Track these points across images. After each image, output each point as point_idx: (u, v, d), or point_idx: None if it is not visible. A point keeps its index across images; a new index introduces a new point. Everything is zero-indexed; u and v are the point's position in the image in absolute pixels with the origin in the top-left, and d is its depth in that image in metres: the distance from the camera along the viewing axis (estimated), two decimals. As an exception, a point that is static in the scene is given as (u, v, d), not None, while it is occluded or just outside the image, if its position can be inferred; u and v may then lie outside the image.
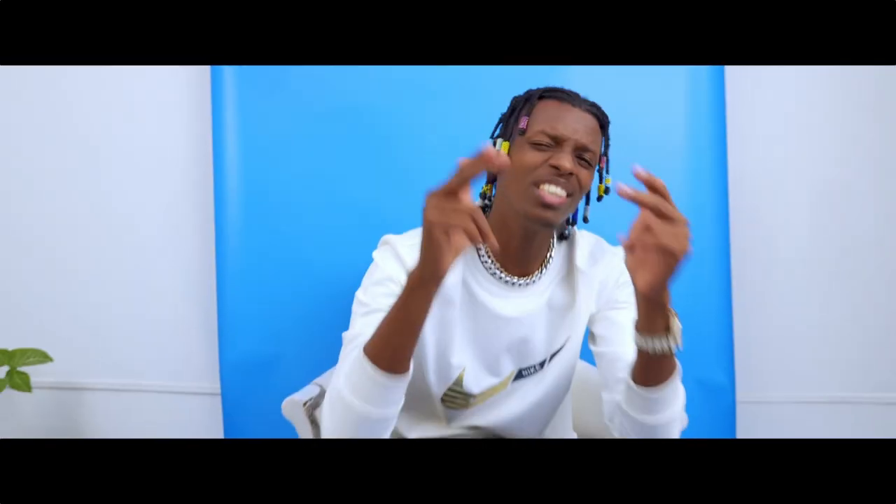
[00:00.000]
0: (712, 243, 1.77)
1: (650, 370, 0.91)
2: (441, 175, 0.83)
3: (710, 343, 1.78)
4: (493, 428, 1.14)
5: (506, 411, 1.12)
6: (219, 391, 1.84)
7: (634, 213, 0.88)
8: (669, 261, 0.80)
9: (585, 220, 1.11)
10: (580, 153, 1.00)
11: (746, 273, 1.90)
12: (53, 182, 1.98)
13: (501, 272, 1.07)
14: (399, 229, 1.17)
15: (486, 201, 1.10)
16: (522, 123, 1.02)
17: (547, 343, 1.10)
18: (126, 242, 1.98)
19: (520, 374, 1.11)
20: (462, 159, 0.78)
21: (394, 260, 1.04)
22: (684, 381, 1.76)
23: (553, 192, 0.98)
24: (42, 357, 1.84)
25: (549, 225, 1.01)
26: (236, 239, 1.81)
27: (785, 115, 1.91)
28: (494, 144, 1.06)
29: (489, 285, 1.08)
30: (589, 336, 1.15)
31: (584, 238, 1.14)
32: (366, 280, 1.06)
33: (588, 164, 1.01)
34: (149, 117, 1.95)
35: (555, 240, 1.12)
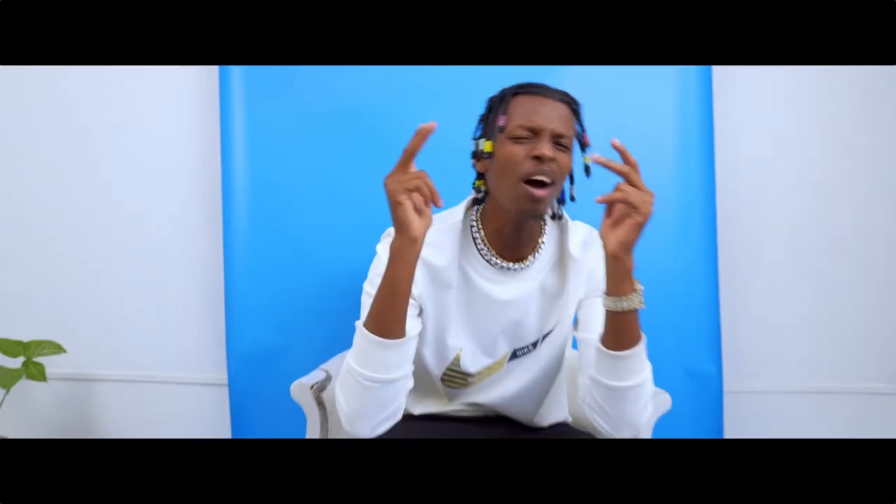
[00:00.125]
0: (700, 238, 1.81)
1: (619, 333, 0.99)
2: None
3: (698, 335, 1.82)
4: (492, 405, 1.20)
5: (503, 390, 1.18)
6: (226, 382, 1.88)
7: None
8: (636, 219, 0.92)
9: (572, 198, 1.17)
10: (557, 140, 1.06)
11: (733, 267, 1.93)
12: (68, 181, 2.02)
13: (496, 258, 1.13)
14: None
15: (479, 194, 1.16)
16: (501, 121, 1.08)
17: (539, 325, 1.16)
18: (137, 238, 2.01)
19: (514, 355, 1.17)
20: (427, 123, 0.94)
21: None
22: (673, 372, 1.81)
23: (539, 179, 1.05)
24: (56, 348, 1.88)
25: (538, 215, 1.08)
26: (243, 235, 1.84)
27: (771, 115, 1.94)
28: (477, 145, 1.12)
29: (484, 270, 1.14)
30: (576, 322, 1.21)
31: (578, 227, 1.19)
32: (371, 271, 1.14)
33: (566, 149, 1.08)
34: (158, 116, 1.99)
35: (547, 223, 1.18)
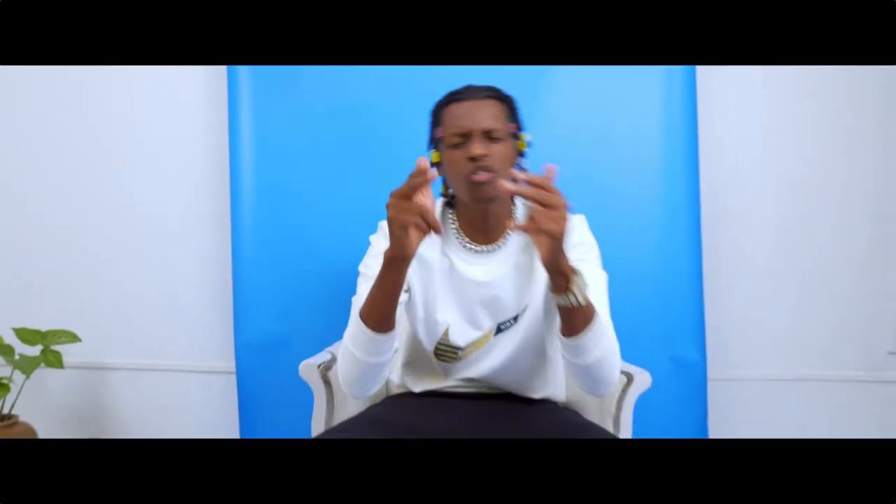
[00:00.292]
0: (685, 232, 1.87)
1: (567, 322, 1.09)
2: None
3: (683, 324, 1.89)
4: (483, 378, 1.30)
5: (491, 362, 1.28)
6: (234, 370, 1.94)
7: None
8: (552, 240, 1.01)
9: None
10: (488, 134, 1.17)
11: (717, 260, 2.00)
12: (84, 179, 2.09)
13: (470, 243, 1.27)
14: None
15: (447, 196, 1.30)
16: (439, 133, 1.22)
17: (517, 300, 1.26)
18: (149, 232, 2.08)
19: (499, 329, 1.28)
20: (421, 159, 1.00)
21: (384, 239, 1.22)
22: (661, 360, 1.89)
23: (479, 175, 1.16)
24: (71, 337, 1.96)
25: (492, 197, 1.19)
26: (250, 228, 1.90)
27: (753, 114, 2.01)
28: (431, 157, 1.25)
29: (461, 254, 1.27)
30: None
31: None
32: (366, 255, 1.28)
33: (499, 139, 1.18)
34: (170, 116, 2.06)
35: (517, 207, 1.29)
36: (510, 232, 1.27)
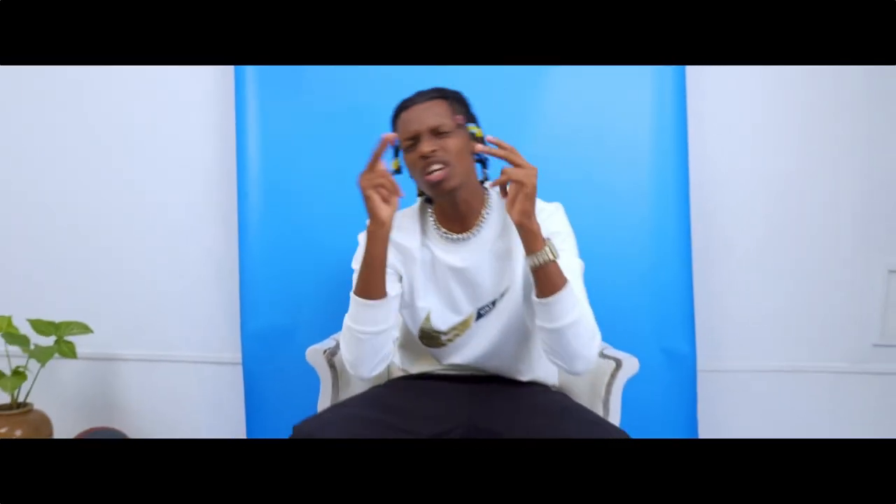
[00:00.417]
0: (675, 228, 1.92)
1: (544, 282, 1.16)
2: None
3: (674, 317, 1.94)
4: (470, 363, 1.38)
5: (474, 349, 1.36)
6: (240, 360, 1.99)
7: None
8: (525, 191, 1.12)
9: (483, 164, 1.37)
10: (435, 131, 1.27)
11: (706, 255, 2.05)
12: (98, 176, 2.13)
13: (446, 232, 1.35)
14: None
15: (421, 195, 1.39)
16: (395, 141, 1.32)
17: (494, 285, 1.33)
18: (159, 229, 2.14)
19: (479, 315, 1.35)
20: (385, 134, 1.15)
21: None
22: (653, 351, 1.95)
23: (433, 171, 1.25)
24: (83, 329, 2.01)
25: (452, 190, 1.27)
26: (256, 225, 1.95)
27: (740, 112, 2.05)
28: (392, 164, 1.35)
29: (439, 242, 1.35)
30: None
31: None
32: (356, 253, 1.38)
33: (446, 133, 1.27)
34: (179, 115, 2.10)
35: (490, 196, 1.37)
36: (485, 218, 1.34)
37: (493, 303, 1.33)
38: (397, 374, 1.50)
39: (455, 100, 1.32)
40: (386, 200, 1.18)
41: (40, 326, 1.97)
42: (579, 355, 1.19)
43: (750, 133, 2.07)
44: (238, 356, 2.02)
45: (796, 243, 2.08)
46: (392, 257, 1.33)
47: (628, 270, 1.93)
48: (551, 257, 1.15)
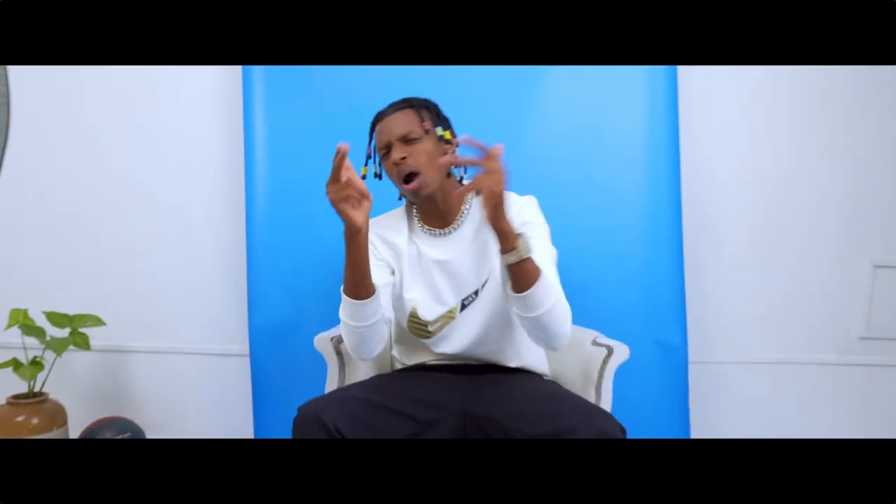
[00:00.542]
0: (666, 225, 1.97)
1: (518, 279, 1.20)
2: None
3: (666, 310, 1.99)
4: (459, 353, 1.44)
5: (462, 338, 1.42)
6: (248, 353, 2.04)
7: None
8: (492, 197, 1.15)
9: (458, 164, 1.40)
10: (405, 139, 1.35)
11: (697, 251, 2.10)
12: (110, 172, 2.18)
13: (429, 229, 1.44)
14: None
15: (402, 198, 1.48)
16: (370, 152, 1.43)
17: (476, 276, 1.41)
18: (170, 225, 2.18)
19: (463, 306, 1.42)
20: (341, 143, 1.14)
21: None
22: (646, 343, 2.01)
23: (405, 177, 1.34)
24: (96, 321, 2.06)
25: (428, 196, 1.36)
26: (264, 220, 2.00)
27: (731, 112, 2.10)
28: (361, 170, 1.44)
29: (423, 237, 1.45)
30: None
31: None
32: None
33: (416, 139, 1.35)
34: (189, 114, 2.15)
35: (472, 195, 1.43)
36: (464, 213, 1.42)
37: (476, 293, 1.40)
38: (397, 366, 1.57)
39: (422, 107, 1.40)
40: (357, 206, 1.19)
41: (55, 319, 2.02)
42: (557, 335, 1.25)
43: (739, 132, 2.11)
44: (245, 348, 2.07)
45: (784, 239, 2.13)
46: (385, 252, 1.43)
47: (622, 266, 1.98)
48: (524, 255, 1.18)
